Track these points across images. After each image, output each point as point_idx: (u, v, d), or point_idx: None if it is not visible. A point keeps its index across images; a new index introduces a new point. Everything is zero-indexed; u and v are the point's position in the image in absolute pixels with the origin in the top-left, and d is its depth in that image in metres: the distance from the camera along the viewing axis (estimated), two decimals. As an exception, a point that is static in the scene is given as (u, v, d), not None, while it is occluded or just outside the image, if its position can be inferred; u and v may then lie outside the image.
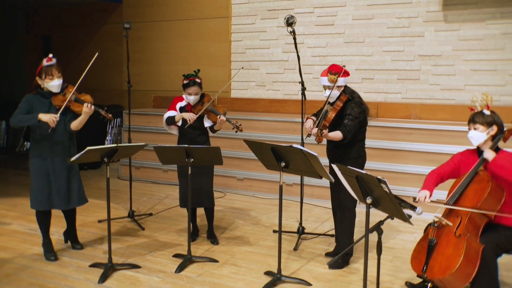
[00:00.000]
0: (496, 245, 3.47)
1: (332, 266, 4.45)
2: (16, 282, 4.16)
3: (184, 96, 5.03)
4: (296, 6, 7.94)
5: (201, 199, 4.99)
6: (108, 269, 4.29)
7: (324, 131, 4.09)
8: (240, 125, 4.80)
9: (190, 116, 4.85)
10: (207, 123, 4.99)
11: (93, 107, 4.45)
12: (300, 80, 5.28)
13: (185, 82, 4.96)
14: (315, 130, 4.14)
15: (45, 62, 4.42)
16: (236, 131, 4.82)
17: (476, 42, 6.84)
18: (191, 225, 4.81)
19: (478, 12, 6.78)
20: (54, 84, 4.43)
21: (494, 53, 6.75)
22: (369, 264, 3.56)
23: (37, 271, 4.41)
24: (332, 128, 4.25)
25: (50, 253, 4.67)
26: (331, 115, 4.26)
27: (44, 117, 4.28)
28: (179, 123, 4.98)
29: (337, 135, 4.19)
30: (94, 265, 4.47)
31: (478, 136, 3.66)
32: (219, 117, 4.80)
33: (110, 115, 4.65)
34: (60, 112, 4.37)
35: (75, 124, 4.51)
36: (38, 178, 4.52)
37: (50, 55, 4.48)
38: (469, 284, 3.47)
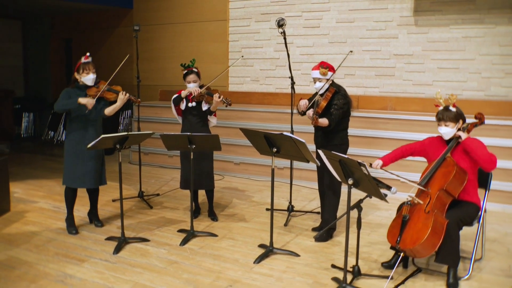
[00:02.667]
0: (459, 219, 3.52)
1: (318, 239, 4.45)
2: (44, 252, 4.17)
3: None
4: (286, 10, 7.90)
5: (201, 181, 4.95)
6: (121, 242, 4.28)
7: (319, 119, 4.17)
8: (230, 100, 4.76)
9: (195, 89, 4.81)
10: (205, 107, 4.94)
11: (126, 94, 4.53)
12: (290, 75, 5.24)
13: (184, 72, 4.93)
14: (310, 112, 4.21)
15: (83, 60, 4.47)
16: (226, 106, 4.78)
17: (442, 43, 6.86)
18: (193, 204, 4.79)
19: (443, 18, 6.81)
20: (89, 77, 4.48)
21: (457, 54, 6.79)
22: (350, 237, 3.56)
23: (61, 243, 4.40)
24: (321, 116, 4.26)
25: (71, 227, 4.68)
26: (323, 104, 4.29)
27: (82, 100, 4.38)
28: (183, 106, 4.94)
29: (324, 121, 4.23)
30: (109, 238, 4.46)
31: (450, 131, 3.70)
32: (214, 96, 4.76)
33: (139, 100, 4.78)
34: (96, 97, 4.43)
35: (109, 110, 4.58)
36: (70, 159, 4.54)
37: (88, 54, 4.53)
38: (434, 253, 3.51)
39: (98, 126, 4.63)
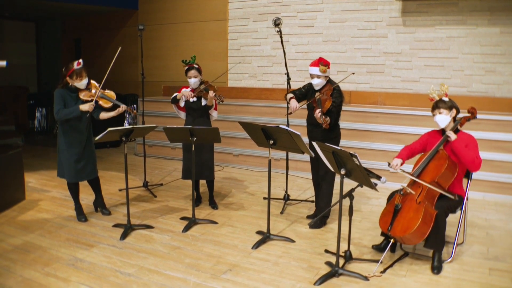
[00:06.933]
0: (446, 209, 3.51)
1: (312, 226, 4.43)
2: (57, 238, 4.17)
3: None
4: (282, 11, 7.84)
5: (202, 172, 4.92)
6: (127, 229, 4.26)
7: (326, 117, 4.04)
8: (223, 97, 4.70)
9: (188, 93, 4.77)
10: (204, 102, 4.89)
11: (123, 107, 4.40)
12: (286, 72, 5.20)
13: (185, 68, 4.89)
14: (318, 114, 4.04)
15: (75, 66, 4.30)
16: (219, 102, 4.73)
17: (428, 42, 6.83)
18: (195, 193, 4.77)
19: (429, 19, 6.78)
20: (83, 83, 4.37)
21: (442, 52, 6.76)
22: (343, 224, 3.55)
23: (72, 229, 4.39)
24: (311, 111, 4.19)
25: (81, 215, 4.66)
26: (328, 104, 4.13)
27: (84, 107, 4.30)
28: (182, 104, 4.90)
29: (328, 120, 4.11)
30: (116, 225, 4.45)
31: (444, 118, 3.64)
32: (209, 92, 4.72)
33: (135, 112, 4.62)
34: (94, 101, 4.33)
35: (105, 116, 4.48)
36: (65, 157, 4.46)
37: (80, 60, 4.36)
38: (423, 241, 3.51)
39: (88, 124, 4.53)
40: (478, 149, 3.61)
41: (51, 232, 4.30)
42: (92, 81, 4.51)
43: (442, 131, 3.74)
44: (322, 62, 4.23)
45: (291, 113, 4.36)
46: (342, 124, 4.60)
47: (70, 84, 4.35)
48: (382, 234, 3.81)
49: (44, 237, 4.17)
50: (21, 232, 4.31)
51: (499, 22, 6.36)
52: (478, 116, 5.73)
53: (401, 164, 3.72)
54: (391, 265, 3.56)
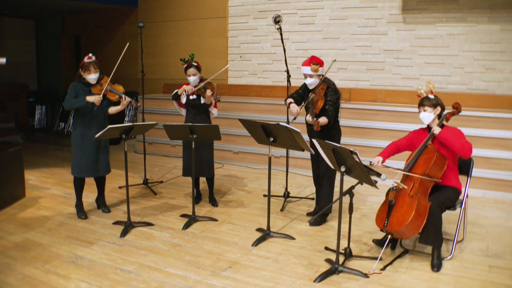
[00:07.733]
0: (441, 202, 3.53)
1: (312, 223, 4.43)
2: (57, 235, 4.17)
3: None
4: (282, 8, 7.83)
5: (202, 169, 4.91)
6: (127, 226, 4.26)
7: (319, 120, 4.01)
8: (220, 96, 4.72)
9: (189, 88, 4.77)
10: (203, 100, 4.88)
11: (127, 99, 4.47)
12: (286, 69, 5.19)
13: (184, 66, 4.88)
14: (309, 117, 4.01)
15: (86, 60, 4.42)
16: (217, 101, 4.75)
17: (428, 40, 6.82)
18: (195, 190, 4.76)
19: (429, 16, 6.78)
20: (91, 77, 4.44)
21: (442, 50, 6.76)
22: (343, 222, 3.55)
23: (72, 226, 4.39)
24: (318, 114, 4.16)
25: (81, 212, 4.67)
26: (320, 104, 4.13)
27: (90, 98, 4.37)
28: (183, 100, 4.90)
29: (324, 121, 4.09)
30: (116, 223, 4.45)
31: (428, 116, 3.71)
32: (207, 91, 4.71)
33: (139, 104, 4.69)
34: (102, 94, 4.42)
35: (112, 111, 4.58)
36: (77, 151, 4.52)
37: (90, 54, 4.47)
38: (418, 234, 3.53)
39: (102, 120, 4.59)
40: (465, 137, 3.65)
41: (51, 230, 4.30)
42: (106, 77, 4.57)
43: (428, 128, 3.79)
44: (313, 61, 4.18)
45: (295, 118, 4.33)
46: (342, 121, 4.60)
47: (83, 76, 4.46)
48: (381, 231, 3.81)
49: (44, 235, 4.17)
50: (21, 229, 4.31)
51: (499, 19, 6.35)
52: (478, 113, 5.78)
53: (382, 162, 3.77)
54: (391, 262, 3.56)
